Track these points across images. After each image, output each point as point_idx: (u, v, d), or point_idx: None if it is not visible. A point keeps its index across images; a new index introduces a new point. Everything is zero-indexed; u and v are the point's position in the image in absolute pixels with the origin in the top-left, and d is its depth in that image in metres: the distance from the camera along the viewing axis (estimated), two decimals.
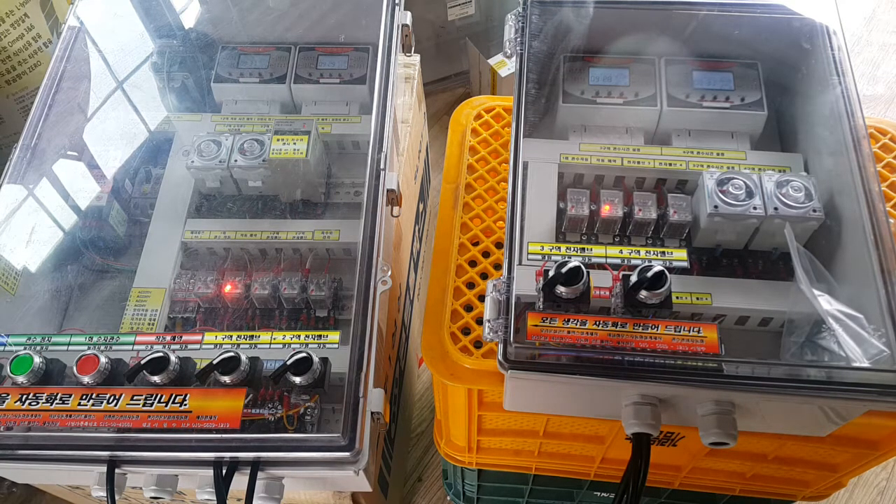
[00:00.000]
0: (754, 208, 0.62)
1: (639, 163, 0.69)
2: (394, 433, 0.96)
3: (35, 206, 0.74)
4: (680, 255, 0.62)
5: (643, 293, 0.56)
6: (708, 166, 0.68)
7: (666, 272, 0.55)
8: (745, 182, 0.63)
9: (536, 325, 0.55)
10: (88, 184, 0.76)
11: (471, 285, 0.66)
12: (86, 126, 0.82)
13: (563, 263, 0.56)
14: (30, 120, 0.76)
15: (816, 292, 0.56)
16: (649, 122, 0.73)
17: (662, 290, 0.55)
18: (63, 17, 0.85)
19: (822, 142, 0.67)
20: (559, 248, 0.62)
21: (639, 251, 0.62)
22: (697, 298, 0.62)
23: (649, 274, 0.55)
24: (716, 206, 0.62)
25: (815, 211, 0.62)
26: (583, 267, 0.55)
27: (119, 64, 0.88)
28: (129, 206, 0.79)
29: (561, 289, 0.56)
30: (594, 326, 0.55)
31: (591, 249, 0.62)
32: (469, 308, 0.65)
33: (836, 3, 0.71)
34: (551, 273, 0.56)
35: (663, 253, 0.62)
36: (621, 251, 0.62)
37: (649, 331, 0.55)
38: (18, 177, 0.73)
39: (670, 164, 0.69)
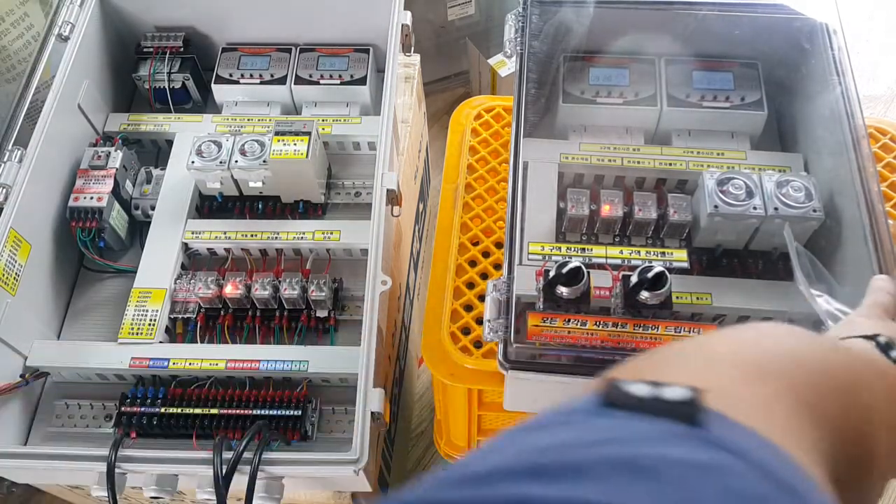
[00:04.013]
0: (754, 208, 0.62)
1: (639, 163, 0.69)
2: (394, 433, 0.96)
3: None
4: (680, 256, 0.62)
5: (643, 294, 0.56)
6: (708, 166, 0.68)
7: (666, 273, 0.55)
8: (745, 182, 0.63)
9: (537, 326, 0.55)
10: (89, 184, 0.76)
11: (471, 285, 0.66)
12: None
13: (564, 264, 0.56)
14: None
15: (816, 292, 0.56)
16: (649, 122, 0.73)
17: (663, 290, 0.55)
18: None
19: (822, 142, 0.67)
20: (559, 248, 0.62)
21: (639, 251, 0.62)
22: (697, 298, 0.62)
23: (649, 275, 0.55)
24: (716, 206, 0.62)
25: (815, 211, 0.62)
26: (583, 267, 0.55)
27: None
28: (129, 206, 0.79)
29: (561, 289, 0.56)
30: (594, 327, 0.55)
31: (592, 249, 0.62)
32: (469, 308, 0.65)
33: (836, 3, 0.71)
34: (552, 273, 0.56)
35: (663, 253, 0.62)
36: (621, 251, 0.62)
37: (649, 331, 0.55)
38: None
39: (670, 164, 0.69)
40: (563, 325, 0.55)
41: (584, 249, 0.62)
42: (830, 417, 0.26)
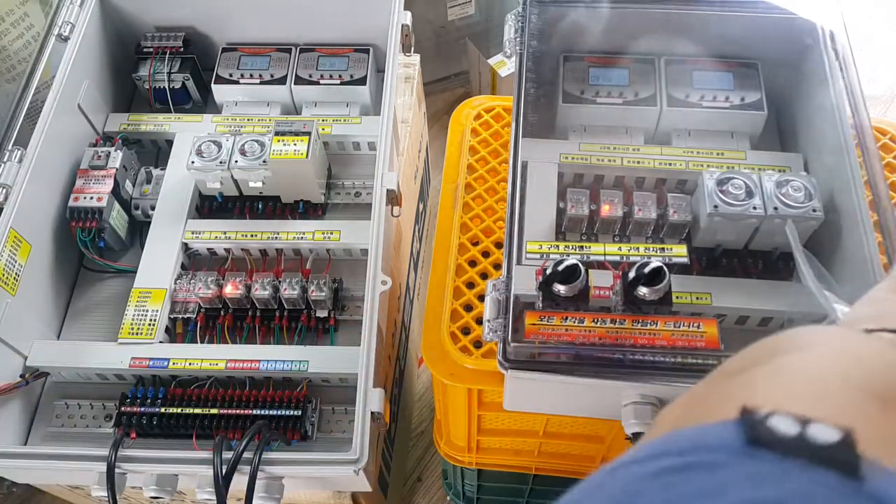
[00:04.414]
0: (754, 208, 0.62)
1: (638, 163, 0.69)
2: (394, 433, 0.96)
3: None
4: (680, 251, 0.61)
5: (642, 290, 0.55)
6: (708, 166, 0.68)
7: (664, 268, 0.55)
8: (744, 182, 0.63)
9: (534, 324, 0.55)
10: (89, 184, 0.76)
11: (471, 285, 0.66)
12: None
13: (561, 261, 0.55)
14: None
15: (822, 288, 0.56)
16: (649, 122, 0.73)
17: (661, 286, 0.55)
18: None
19: (822, 141, 0.67)
20: (557, 246, 0.62)
21: (638, 248, 0.61)
22: (697, 298, 0.62)
23: (646, 270, 0.54)
24: (715, 206, 0.62)
25: (814, 210, 0.62)
26: (580, 265, 0.55)
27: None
28: (129, 206, 0.79)
29: (559, 287, 0.56)
30: (592, 324, 0.55)
31: (590, 247, 0.62)
32: (469, 308, 0.65)
33: (836, 3, 0.71)
34: (548, 271, 0.56)
35: (662, 249, 0.62)
36: (620, 248, 0.61)
37: (648, 327, 0.55)
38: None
39: (670, 164, 0.69)
40: (561, 322, 0.55)
41: (582, 247, 0.62)
42: None
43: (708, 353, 0.54)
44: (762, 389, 0.26)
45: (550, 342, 0.54)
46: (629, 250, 0.61)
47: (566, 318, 0.55)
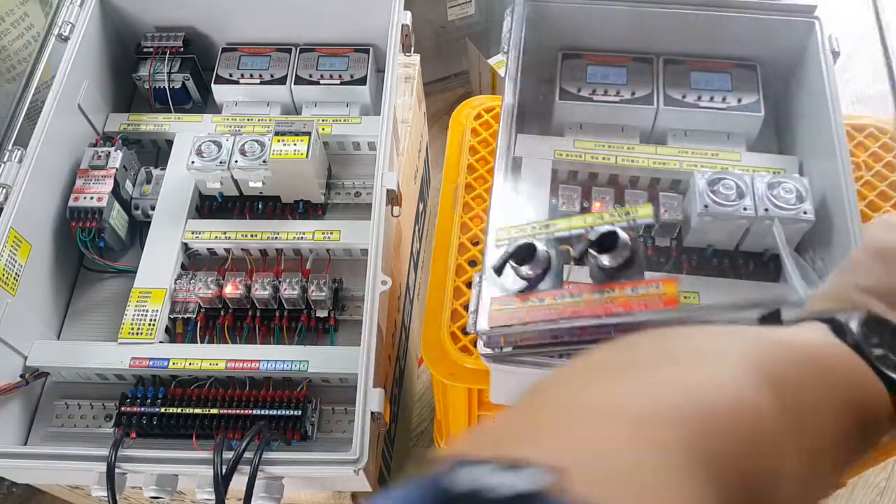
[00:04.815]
0: (744, 209, 0.62)
1: (633, 161, 0.69)
2: (394, 433, 0.96)
3: None
4: (645, 212, 0.58)
5: (603, 259, 0.53)
6: (701, 166, 0.67)
7: (617, 231, 0.52)
8: (735, 182, 0.63)
9: (498, 309, 0.54)
10: (89, 184, 0.76)
11: (471, 285, 0.66)
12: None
13: (515, 243, 0.54)
14: None
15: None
16: (645, 121, 0.73)
17: (618, 250, 0.52)
18: None
19: (816, 144, 0.67)
20: (524, 228, 0.60)
21: (602, 216, 0.58)
22: (685, 297, 0.62)
23: (594, 237, 0.52)
24: (706, 206, 0.62)
25: (805, 213, 0.61)
26: (536, 243, 0.54)
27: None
28: (129, 206, 0.79)
29: (523, 269, 0.54)
30: (553, 301, 0.53)
31: (556, 223, 0.59)
32: (468, 308, 0.65)
33: (836, 4, 0.71)
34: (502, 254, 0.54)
35: (627, 213, 0.58)
36: (585, 219, 0.58)
37: (606, 295, 0.52)
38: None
39: (664, 164, 0.69)
40: (522, 304, 0.53)
41: (547, 226, 0.59)
42: (732, 484, 0.22)
43: (667, 314, 0.51)
44: (499, 429, 0.23)
45: (511, 324, 0.53)
46: (593, 220, 0.58)
47: (527, 300, 0.53)
